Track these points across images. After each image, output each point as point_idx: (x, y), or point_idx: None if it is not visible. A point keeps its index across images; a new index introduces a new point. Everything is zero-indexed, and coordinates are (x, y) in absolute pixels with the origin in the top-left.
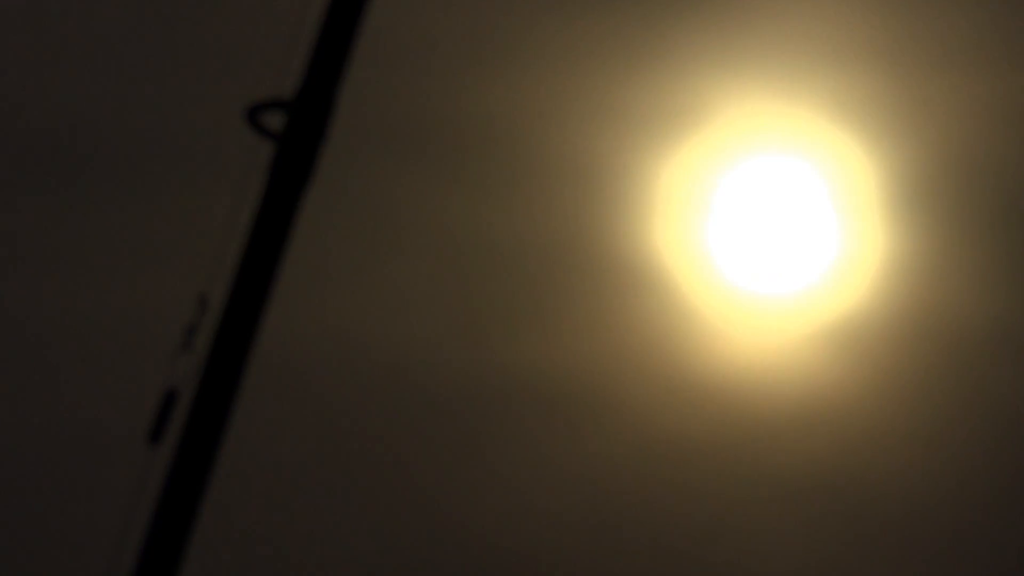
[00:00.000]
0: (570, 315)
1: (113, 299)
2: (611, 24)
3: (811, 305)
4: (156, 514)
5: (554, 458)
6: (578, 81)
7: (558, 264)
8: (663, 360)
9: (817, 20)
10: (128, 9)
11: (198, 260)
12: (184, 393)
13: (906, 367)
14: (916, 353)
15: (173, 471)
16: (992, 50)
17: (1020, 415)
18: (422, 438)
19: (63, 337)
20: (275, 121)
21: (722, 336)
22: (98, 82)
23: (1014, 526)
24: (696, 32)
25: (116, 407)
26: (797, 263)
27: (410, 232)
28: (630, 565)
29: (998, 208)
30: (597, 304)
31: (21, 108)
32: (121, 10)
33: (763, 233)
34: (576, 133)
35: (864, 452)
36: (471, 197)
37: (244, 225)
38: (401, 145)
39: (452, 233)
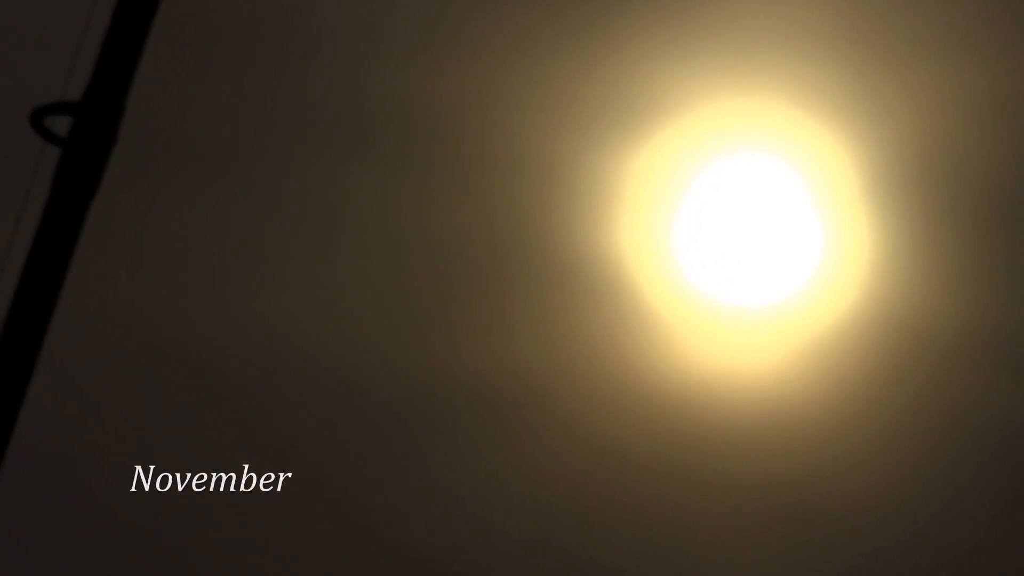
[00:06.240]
0: (525, 320)
1: None
2: (572, 10)
3: (790, 313)
4: None
5: (502, 470)
6: (536, 71)
7: (513, 266)
8: (622, 371)
9: (790, 6)
10: None
11: None
12: None
13: (893, 381)
14: (905, 366)
15: None
16: (979, 37)
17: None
18: (361, 445)
19: None
20: (61, 125)
21: (688, 346)
22: None
23: (1014, 547)
24: (662, 21)
25: None
26: (774, 267)
27: (354, 229)
28: None
29: (995, 203)
30: (554, 310)
31: None
32: None
33: (736, 235)
34: (534, 127)
35: (841, 473)
36: (420, 193)
37: (29, 233)
38: (345, 138)
39: (400, 231)
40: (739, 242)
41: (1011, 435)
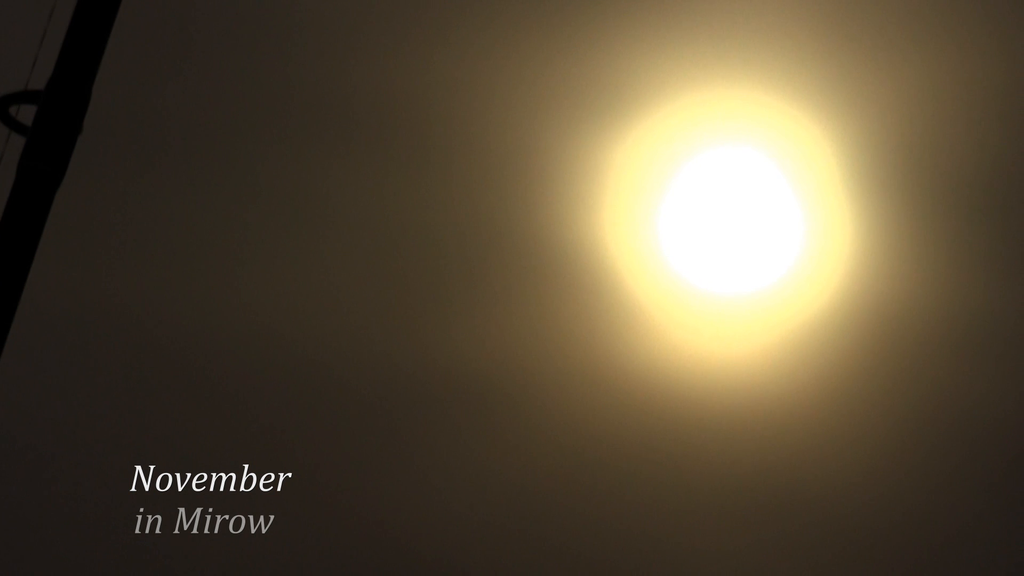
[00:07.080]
0: (509, 311)
1: None
2: (554, 0)
3: (772, 302)
4: None
5: (487, 460)
6: (519, 61)
7: (496, 256)
8: (606, 360)
9: None
10: None
11: None
12: None
13: (875, 370)
14: (887, 355)
15: None
16: (960, 25)
17: (1004, 419)
18: (344, 435)
19: None
20: (26, 114)
21: (671, 335)
22: None
23: (995, 538)
24: (644, 11)
25: None
26: (756, 256)
27: (335, 221)
28: None
29: (977, 192)
30: (538, 300)
31: None
32: None
33: (719, 225)
34: (516, 116)
35: (823, 461)
36: (402, 184)
37: None
38: (326, 129)
39: (382, 223)
40: (722, 231)
41: (992, 424)
